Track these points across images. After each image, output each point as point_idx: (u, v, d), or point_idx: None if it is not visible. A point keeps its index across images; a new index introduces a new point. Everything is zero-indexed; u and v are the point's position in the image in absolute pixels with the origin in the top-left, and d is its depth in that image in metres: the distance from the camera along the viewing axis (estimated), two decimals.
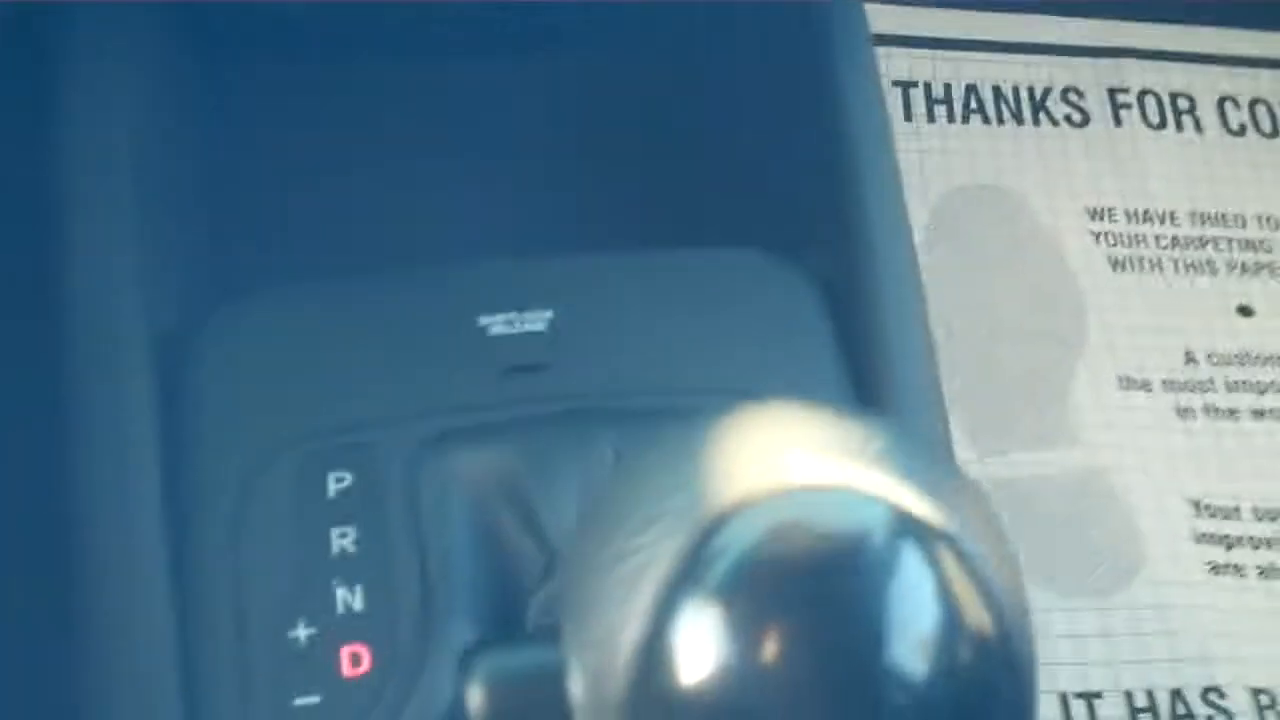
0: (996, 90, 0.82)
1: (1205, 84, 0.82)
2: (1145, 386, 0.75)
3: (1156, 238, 0.78)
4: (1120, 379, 0.75)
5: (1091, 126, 0.81)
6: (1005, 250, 0.78)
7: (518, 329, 0.46)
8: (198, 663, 0.41)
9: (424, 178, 0.52)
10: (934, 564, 0.31)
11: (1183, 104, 0.82)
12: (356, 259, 0.49)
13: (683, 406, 0.37)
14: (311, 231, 0.51)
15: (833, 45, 0.51)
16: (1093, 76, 0.82)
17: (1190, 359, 0.75)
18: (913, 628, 0.31)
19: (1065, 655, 0.68)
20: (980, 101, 0.81)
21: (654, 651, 0.31)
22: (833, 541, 0.31)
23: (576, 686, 0.32)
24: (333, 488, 0.43)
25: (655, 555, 0.31)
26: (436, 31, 0.51)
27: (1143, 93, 0.82)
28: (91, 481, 0.44)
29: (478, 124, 0.52)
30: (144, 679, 0.42)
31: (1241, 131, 0.81)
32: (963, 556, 0.31)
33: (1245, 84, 0.82)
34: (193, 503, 0.43)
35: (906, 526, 0.31)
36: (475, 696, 0.35)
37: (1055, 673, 0.68)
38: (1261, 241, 0.79)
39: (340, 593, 0.42)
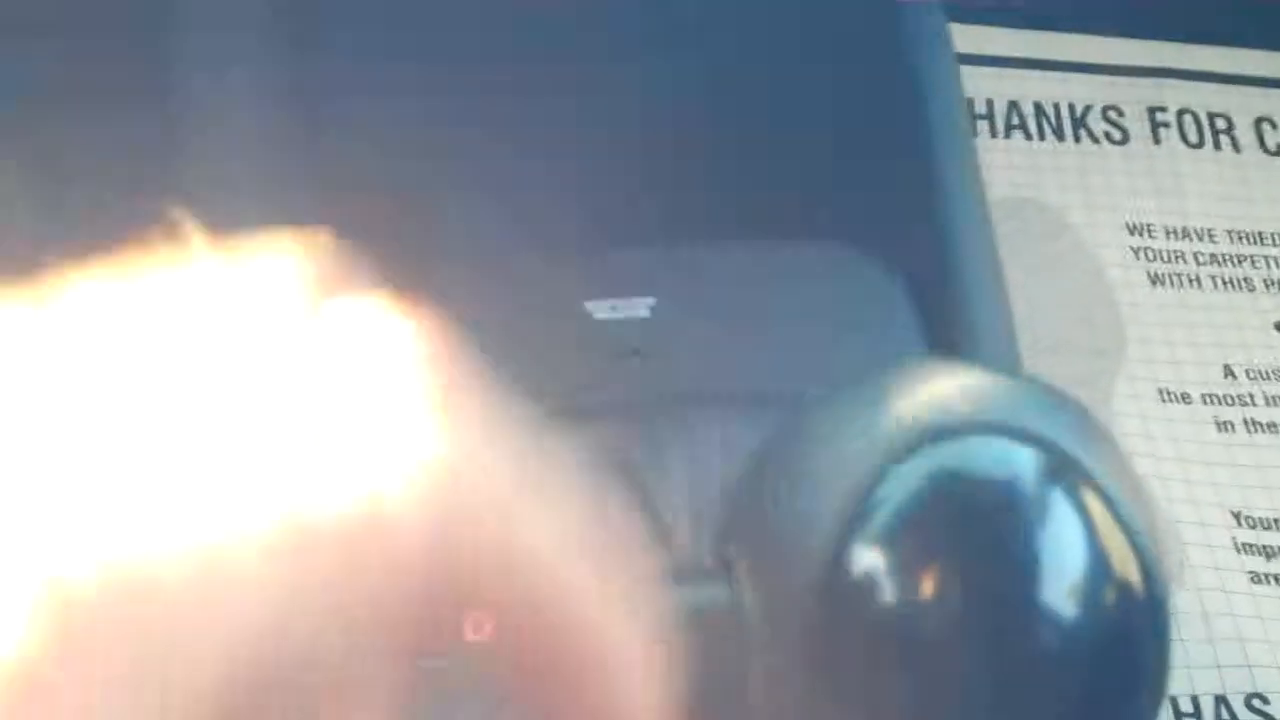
0: (1038, 107, 0.83)
1: (1242, 105, 0.84)
2: (1184, 399, 0.76)
3: (1195, 254, 0.80)
4: (1160, 391, 0.76)
5: (1131, 144, 0.82)
6: (1045, 264, 0.79)
7: (622, 315, 0.48)
8: None
9: (529, 171, 0.53)
10: (1085, 511, 0.33)
11: (1220, 124, 0.83)
12: (463, 249, 0.50)
13: (776, 391, 0.39)
14: (422, 223, 0.52)
15: (915, 44, 0.52)
16: (1132, 95, 0.83)
17: (1229, 373, 0.77)
18: (1064, 571, 0.33)
19: None
20: (1021, 117, 0.83)
21: (829, 587, 0.33)
22: (991, 488, 0.33)
23: (757, 618, 0.34)
24: None
25: (828, 500, 0.32)
26: (539, 31, 0.53)
27: (1181, 112, 0.83)
28: None
29: (580, 121, 0.53)
30: None
31: (1278, 152, 0.83)
32: (1110, 504, 0.33)
33: None
34: None
35: (1059, 474, 0.33)
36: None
37: None
38: None
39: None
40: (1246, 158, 0.83)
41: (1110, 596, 0.33)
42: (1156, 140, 0.83)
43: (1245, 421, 0.75)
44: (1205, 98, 0.84)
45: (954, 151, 0.52)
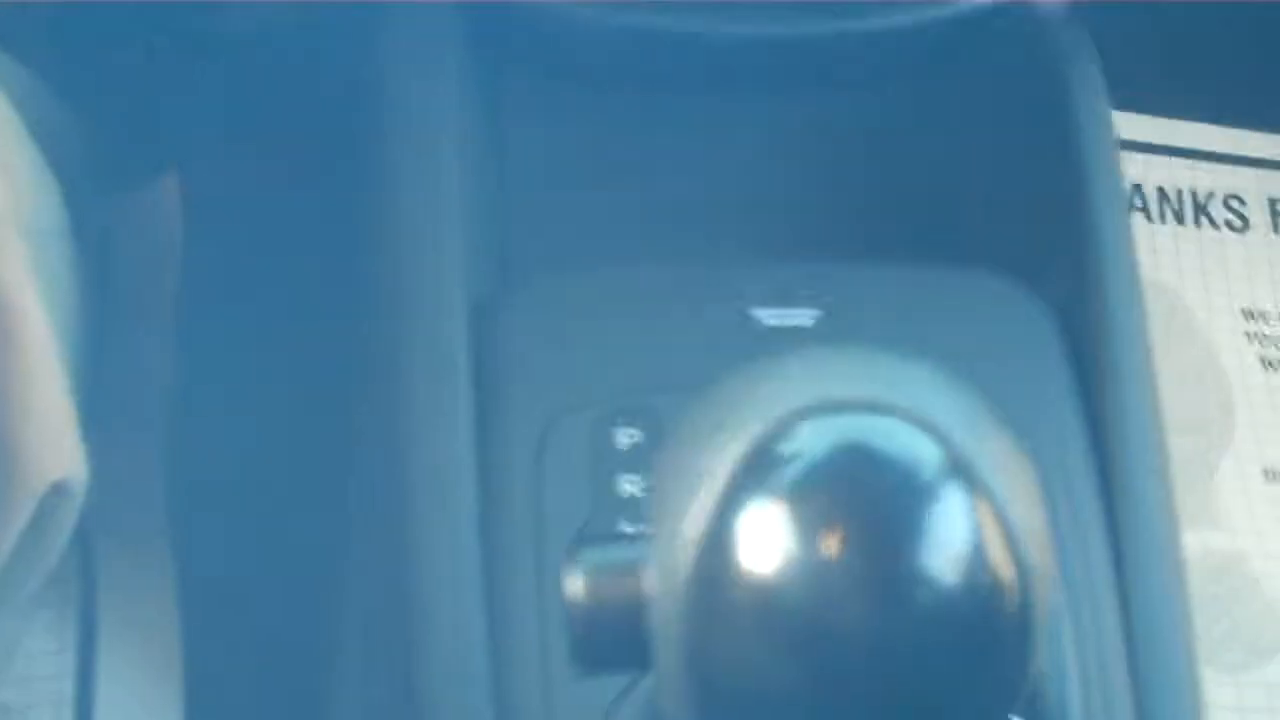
0: (1160, 190, 0.85)
1: None
2: None
3: None
4: (1265, 472, 0.78)
5: (1251, 233, 0.84)
6: (1159, 341, 0.80)
7: (788, 323, 0.50)
8: (502, 589, 0.45)
9: (703, 192, 0.56)
10: (955, 495, 0.34)
11: None
12: (644, 253, 0.53)
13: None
14: (608, 229, 0.55)
15: (1067, 74, 0.55)
16: (1255, 185, 0.85)
17: None
18: (924, 550, 0.34)
19: None
20: (1144, 199, 0.85)
21: (711, 546, 0.34)
22: (864, 464, 0.35)
23: (651, 577, 0.36)
24: (622, 442, 0.47)
25: (718, 459, 0.35)
26: (719, 70, 0.56)
27: None
28: (411, 427, 0.48)
29: (756, 150, 0.56)
30: (454, 606, 0.45)
31: None
32: (996, 508, 0.34)
33: None
34: (501, 449, 0.47)
35: (934, 456, 0.35)
36: (573, 584, 0.38)
37: None
38: None
39: (628, 530, 0.45)
40: None
41: (969, 580, 0.34)
42: (1276, 230, 0.84)
43: None
44: None
45: (1105, 189, 0.54)
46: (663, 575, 0.35)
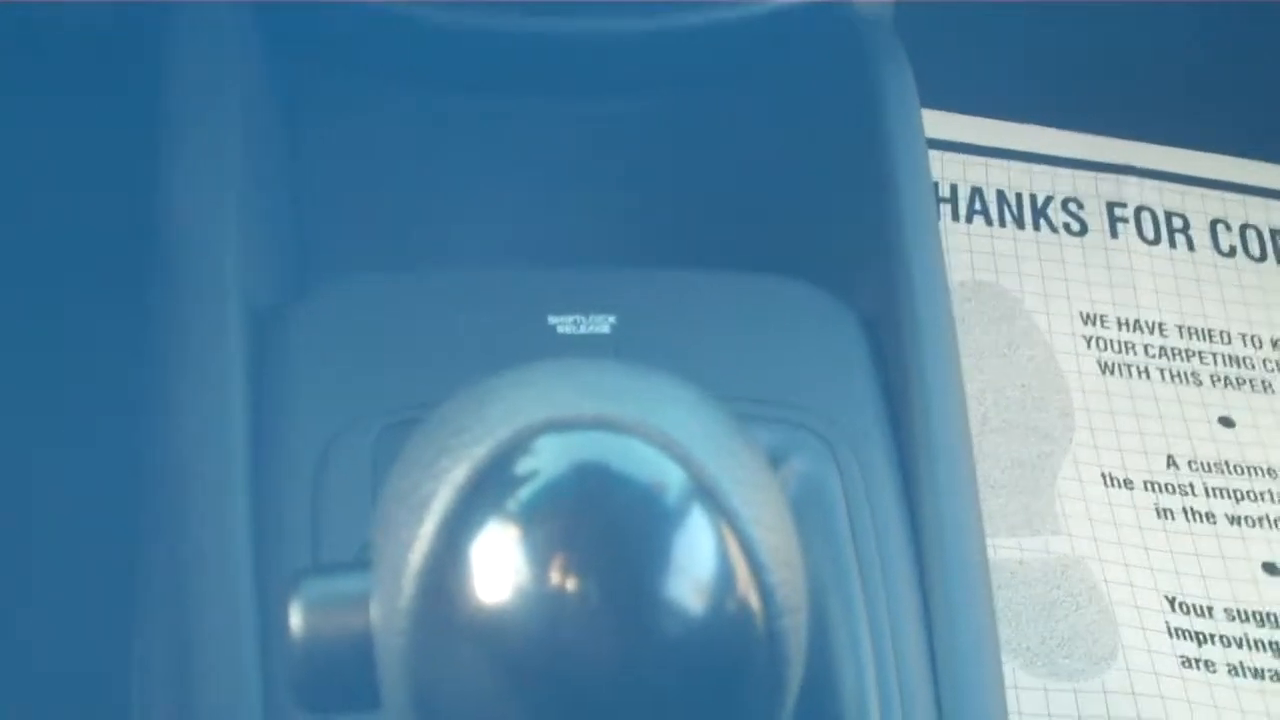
0: (1000, 194, 0.85)
1: (1199, 206, 0.86)
2: (1127, 485, 0.77)
3: (1145, 346, 0.81)
4: (1104, 476, 0.77)
5: (1089, 236, 0.84)
6: (999, 346, 0.80)
7: (583, 330, 0.49)
8: (275, 615, 0.43)
9: (508, 195, 0.55)
10: (694, 517, 0.32)
11: (1177, 223, 0.85)
12: (439, 258, 0.52)
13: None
14: (399, 230, 0.54)
15: (877, 78, 0.54)
16: (1093, 189, 0.86)
17: (1172, 463, 0.78)
18: (658, 576, 0.32)
19: None
20: (984, 204, 0.85)
21: (435, 577, 0.32)
22: (603, 483, 0.32)
23: (374, 607, 0.33)
24: None
25: (441, 484, 0.32)
26: (518, 70, 0.54)
27: (1140, 209, 0.85)
28: (184, 440, 0.46)
29: (558, 152, 0.55)
30: (224, 631, 0.43)
31: (1231, 253, 0.85)
32: (739, 531, 0.32)
33: (1236, 209, 0.86)
34: (278, 465, 0.45)
35: (672, 475, 0.32)
36: (294, 617, 0.35)
37: None
38: (1245, 358, 0.82)
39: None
40: (1200, 256, 0.85)
41: (710, 609, 0.32)
42: (1114, 234, 0.84)
43: (1185, 510, 0.77)
44: (1164, 196, 0.86)
45: (912, 201, 0.53)
46: (384, 609, 0.33)
